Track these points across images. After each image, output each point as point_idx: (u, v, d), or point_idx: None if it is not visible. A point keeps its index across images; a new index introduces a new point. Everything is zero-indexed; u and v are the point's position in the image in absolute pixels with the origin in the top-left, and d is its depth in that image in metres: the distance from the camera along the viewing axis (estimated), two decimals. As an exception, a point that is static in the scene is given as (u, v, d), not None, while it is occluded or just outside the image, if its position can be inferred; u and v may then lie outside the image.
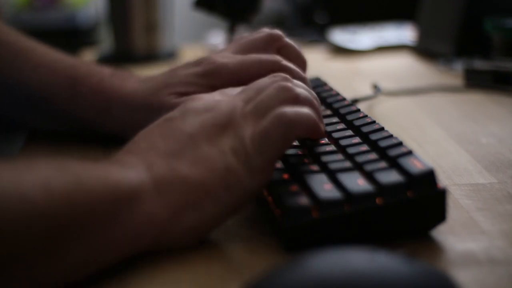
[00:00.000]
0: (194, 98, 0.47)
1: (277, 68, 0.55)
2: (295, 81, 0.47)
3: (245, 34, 0.63)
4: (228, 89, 0.48)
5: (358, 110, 0.54)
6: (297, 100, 0.44)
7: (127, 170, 0.40)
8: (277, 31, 0.60)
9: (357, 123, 0.51)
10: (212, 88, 0.56)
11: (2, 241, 0.34)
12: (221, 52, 0.60)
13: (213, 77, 0.57)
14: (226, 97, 0.46)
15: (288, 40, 0.60)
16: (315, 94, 0.47)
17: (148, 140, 0.44)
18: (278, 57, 0.57)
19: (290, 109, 0.42)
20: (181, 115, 0.44)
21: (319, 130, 0.45)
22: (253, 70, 0.56)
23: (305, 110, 0.43)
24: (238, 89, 0.48)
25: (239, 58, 0.58)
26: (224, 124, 0.43)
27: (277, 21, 1.61)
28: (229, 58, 0.58)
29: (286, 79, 0.46)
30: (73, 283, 0.38)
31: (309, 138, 0.48)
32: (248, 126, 0.43)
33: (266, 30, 0.61)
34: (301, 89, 0.46)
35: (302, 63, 0.61)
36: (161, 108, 0.57)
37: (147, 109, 0.59)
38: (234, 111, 0.44)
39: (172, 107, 0.56)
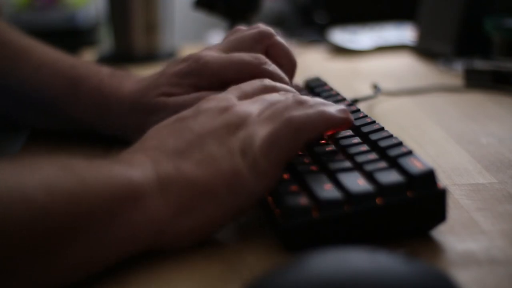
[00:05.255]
0: (209, 99, 0.46)
1: (257, 71, 0.54)
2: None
3: (240, 27, 0.62)
4: (245, 85, 0.48)
5: (358, 110, 0.54)
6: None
7: (131, 168, 0.40)
8: (269, 29, 0.59)
9: (357, 123, 0.51)
10: (196, 87, 0.55)
11: (5, 240, 0.34)
12: (211, 48, 0.59)
13: (196, 77, 0.57)
14: (241, 102, 0.46)
15: (278, 38, 0.59)
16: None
17: (157, 138, 0.44)
18: (261, 60, 0.55)
19: (299, 112, 0.42)
20: (194, 115, 0.44)
21: (337, 121, 0.44)
22: (234, 70, 0.55)
23: (316, 109, 0.43)
24: (256, 84, 0.48)
25: (223, 57, 0.57)
26: (236, 124, 0.43)
27: (277, 21, 1.61)
28: (213, 57, 0.57)
29: (298, 101, 0.45)
30: (74, 283, 0.38)
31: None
32: (260, 129, 0.42)
33: (259, 26, 0.60)
34: (316, 98, 0.46)
35: (290, 63, 0.59)
36: (152, 109, 0.57)
37: (140, 110, 0.59)
38: (248, 117, 0.44)
39: (162, 107, 0.56)
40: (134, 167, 0.40)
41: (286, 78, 0.56)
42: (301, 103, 0.44)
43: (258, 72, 0.54)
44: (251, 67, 0.55)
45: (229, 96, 0.46)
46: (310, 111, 0.43)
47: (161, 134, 0.44)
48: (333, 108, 0.45)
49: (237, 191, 0.41)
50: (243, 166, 0.41)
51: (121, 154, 0.43)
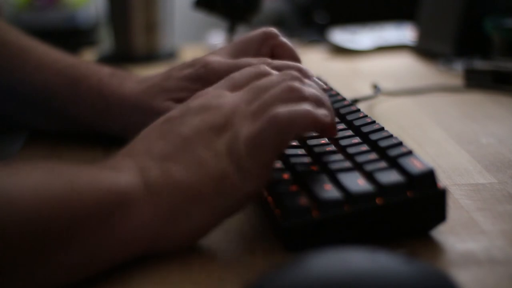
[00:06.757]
0: (197, 95, 0.46)
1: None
2: (307, 80, 0.45)
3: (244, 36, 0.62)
4: (237, 76, 0.47)
5: (358, 110, 0.54)
6: (303, 101, 0.43)
7: (119, 174, 0.40)
8: (272, 29, 0.59)
9: (357, 123, 0.51)
10: None
11: (1, 243, 0.34)
12: (217, 52, 0.59)
13: (203, 82, 0.56)
14: (231, 94, 0.45)
15: (283, 38, 0.59)
16: (326, 96, 0.45)
17: (145, 142, 0.43)
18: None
19: (285, 109, 0.41)
20: (180, 116, 0.44)
21: (321, 125, 0.43)
22: None
23: (302, 107, 0.42)
24: (248, 71, 0.47)
25: (230, 63, 0.56)
26: (222, 125, 0.42)
27: (277, 21, 1.61)
28: (220, 62, 0.56)
29: (295, 78, 0.45)
30: (74, 283, 0.38)
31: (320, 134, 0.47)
32: (245, 127, 0.42)
33: (262, 29, 0.60)
34: (311, 89, 0.44)
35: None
36: (159, 112, 0.56)
37: (144, 112, 0.58)
38: (234, 112, 0.43)
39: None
40: (122, 173, 0.40)
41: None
42: (293, 90, 0.43)
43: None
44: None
45: (219, 90, 0.46)
46: (296, 108, 0.41)
47: (149, 138, 0.43)
48: (321, 111, 0.43)
49: (226, 193, 0.41)
50: (230, 168, 0.41)
51: (109, 159, 0.42)
